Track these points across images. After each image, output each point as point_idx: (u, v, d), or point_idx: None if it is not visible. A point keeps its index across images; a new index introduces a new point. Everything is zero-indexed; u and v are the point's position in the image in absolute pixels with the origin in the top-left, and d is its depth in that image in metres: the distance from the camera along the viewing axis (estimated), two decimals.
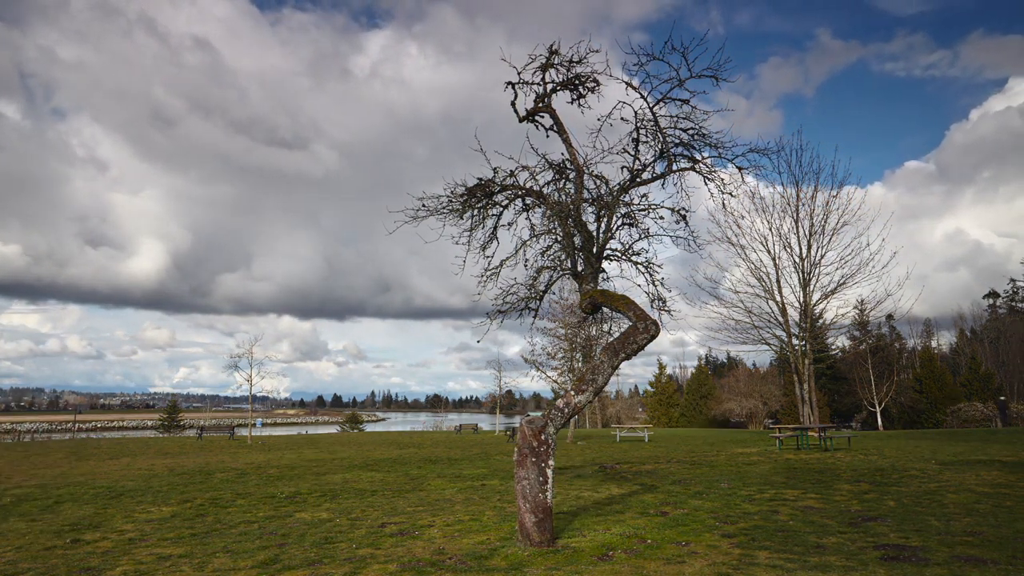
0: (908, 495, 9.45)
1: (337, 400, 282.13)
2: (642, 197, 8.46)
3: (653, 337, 7.23)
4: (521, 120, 8.34)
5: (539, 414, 7.17)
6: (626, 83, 7.96)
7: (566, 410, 7.03)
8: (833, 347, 47.77)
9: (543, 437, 6.79)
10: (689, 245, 8.64)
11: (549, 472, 6.73)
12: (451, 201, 8.29)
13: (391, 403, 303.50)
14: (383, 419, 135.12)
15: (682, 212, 8.31)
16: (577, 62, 8.05)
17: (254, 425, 40.19)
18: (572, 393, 7.17)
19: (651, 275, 8.48)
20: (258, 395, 34.12)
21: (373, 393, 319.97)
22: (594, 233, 8.16)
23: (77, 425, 70.72)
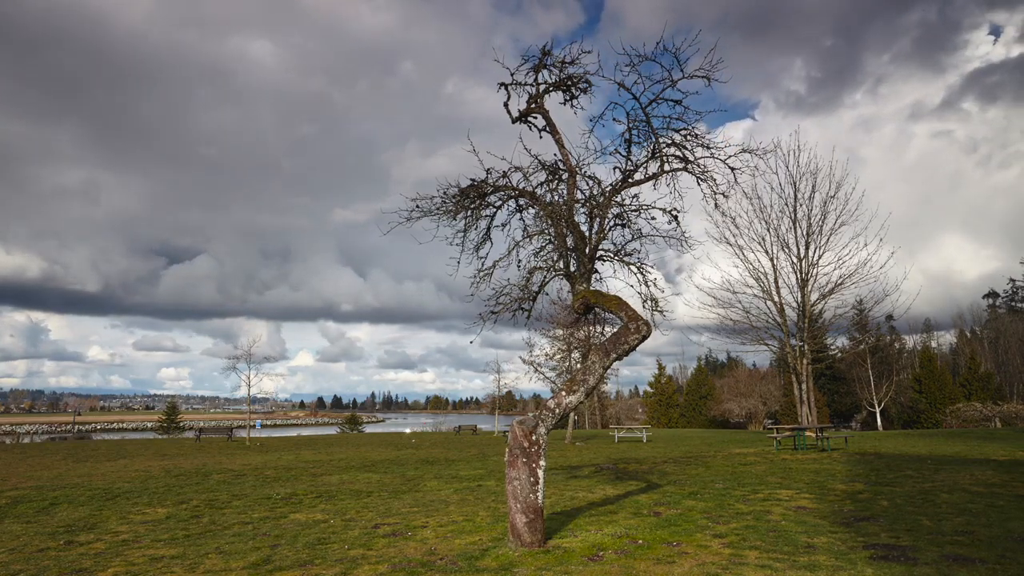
0: (902, 495, 9.47)
1: (337, 401, 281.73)
2: (633, 198, 8.49)
3: (645, 338, 7.25)
4: (514, 121, 8.37)
5: (532, 415, 7.18)
6: (618, 84, 7.99)
7: (557, 411, 7.04)
8: (832, 347, 47.75)
9: (534, 438, 6.80)
10: (681, 246, 8.67)
11: (540, 472, 6.74)
12: (444, 202, 8.31)
13: (391, 404, 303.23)
14: (382, 420, 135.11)
15: (674, 213, 8.34)
16: (570, 63, 8.07)
17: (253, 426, 40.16)
18: (564, 393, 7.19)
19: (643, 275, 8.51)
20: (257, 396, 34.15)
21: (373, 394, 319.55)
22: (586, 234, 8.18)
23: (76, 427, 70.64)
